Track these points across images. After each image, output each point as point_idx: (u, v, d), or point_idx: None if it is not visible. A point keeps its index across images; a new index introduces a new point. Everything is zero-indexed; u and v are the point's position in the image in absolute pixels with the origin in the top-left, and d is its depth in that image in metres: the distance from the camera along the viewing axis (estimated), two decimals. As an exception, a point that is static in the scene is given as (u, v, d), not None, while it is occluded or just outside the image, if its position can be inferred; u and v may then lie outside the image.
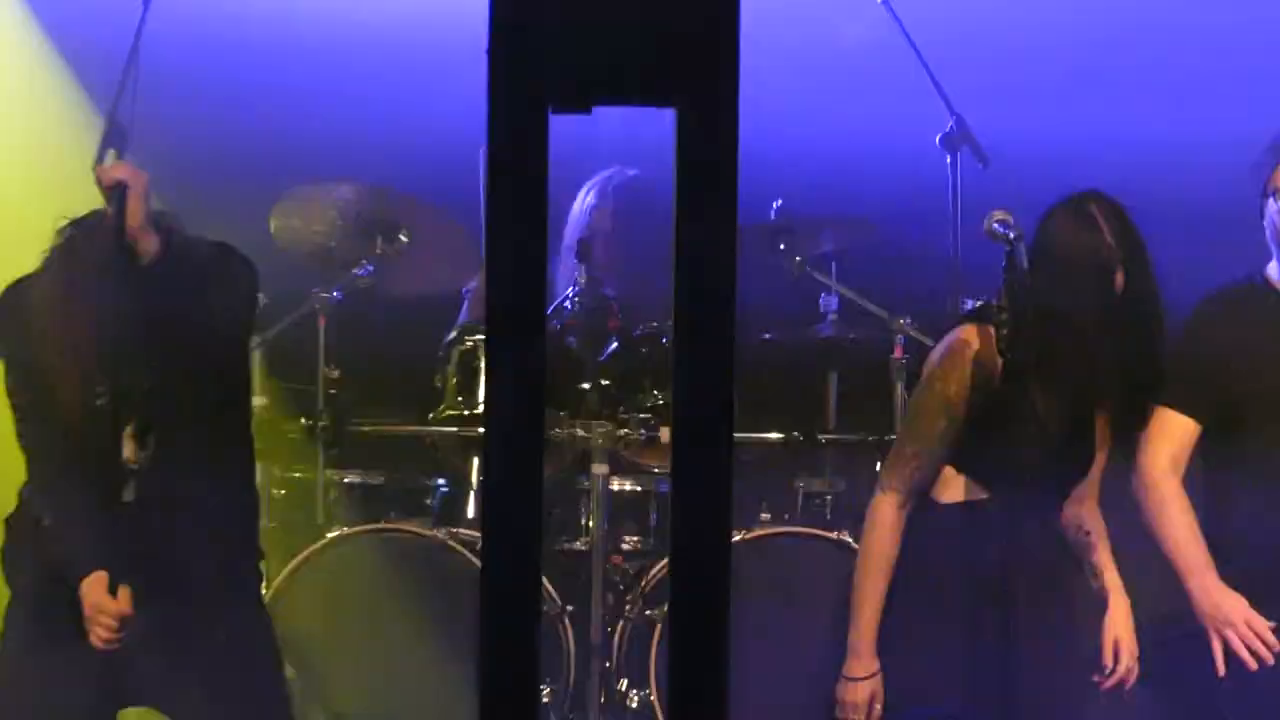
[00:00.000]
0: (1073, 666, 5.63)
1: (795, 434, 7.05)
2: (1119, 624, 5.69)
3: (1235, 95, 7.75)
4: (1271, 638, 5.73)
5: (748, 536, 6.63)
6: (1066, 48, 8.13)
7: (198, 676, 5.60)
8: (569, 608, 6.74)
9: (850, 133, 7.93)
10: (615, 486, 6.93)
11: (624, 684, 6.76)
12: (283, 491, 7.34)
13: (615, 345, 6.90)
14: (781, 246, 7.21)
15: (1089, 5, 7.97)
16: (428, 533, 6.82)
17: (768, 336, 7.24)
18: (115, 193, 5.44)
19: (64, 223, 5.61)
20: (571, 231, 7.19)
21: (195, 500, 5.66)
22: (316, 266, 7.34)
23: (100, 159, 6.07)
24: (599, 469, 6.80)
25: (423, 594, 6.65)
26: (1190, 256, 5.88)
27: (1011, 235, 5.41)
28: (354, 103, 7.95)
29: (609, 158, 7.20)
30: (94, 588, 5.54)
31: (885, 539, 5.57)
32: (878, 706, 5.54)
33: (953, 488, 5.60)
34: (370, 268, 7.26)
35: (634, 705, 6.72)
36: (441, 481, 7.19)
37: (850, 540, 6.40)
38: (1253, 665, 5.72)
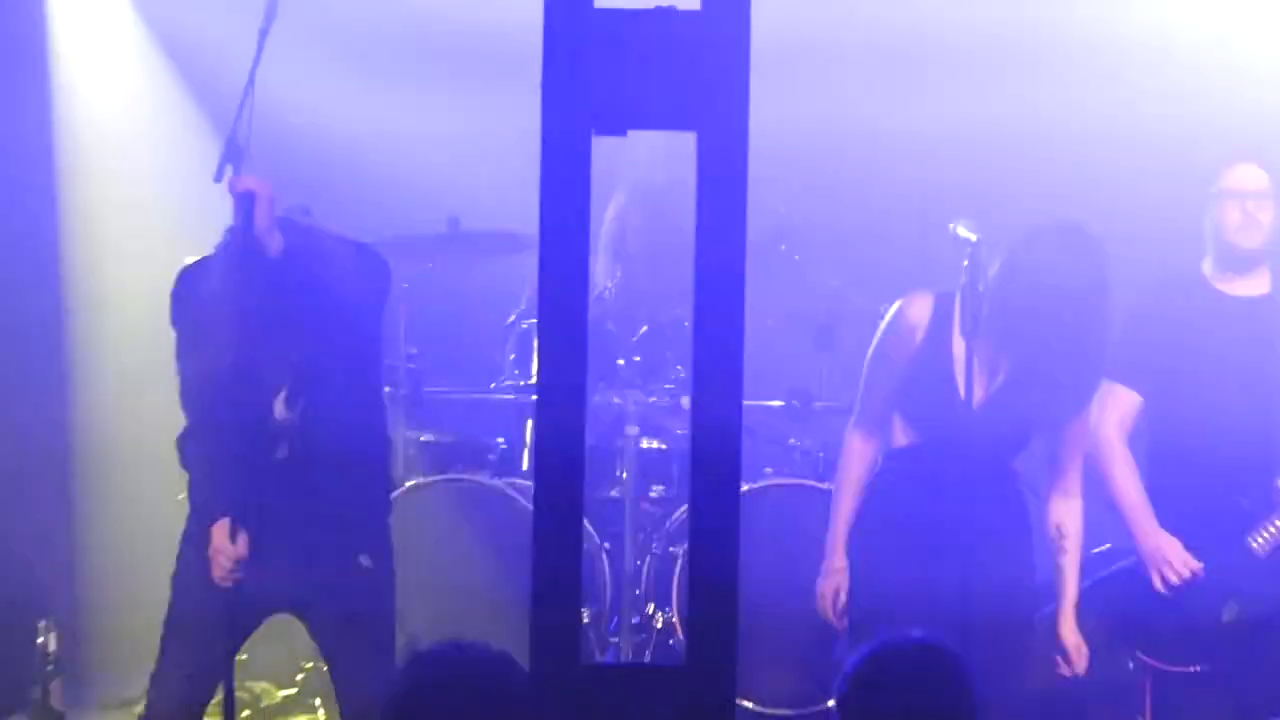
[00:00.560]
0: (994, 591, 5.39)
1: (793, 401, 7.01)
2: (1068, 631, 5.54)
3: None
4: (1197, 568, 5.67)
5: (753, 487, 6.60)
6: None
7: (337, 595, 5.49)
8: (606, 545, 6.78)
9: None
10: (644, 445, 6.92)
11: (650, 606, 6.77)
12: (369, 448, 7.29)
13: (645, 329, 6.96)
14: (782, 247, 7.20)
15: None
16: (489, 482, 6.83)
17: (770, 322, 7.11)
18: (244, 200, 5.35)
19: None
20: (609, 231, 7.19)
21: (335, 452, 5.53)
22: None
23: (219, 174, 5.97)
24: (631, 430, 6.86)
25: (484, 533, 6.62)
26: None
27: (974, 239, 5.35)
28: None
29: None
30: (219, 532, 5.46)
31: (852, 461, 5.60)
32: (842, 596, 5.51)
33: (899, 434, 5.55)
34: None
35: (659, 624, 6.73)
36: (501, 440, 7.15)
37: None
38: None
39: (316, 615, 5.59)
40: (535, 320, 6.56)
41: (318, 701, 6.86)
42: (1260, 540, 5.66)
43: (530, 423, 6.81)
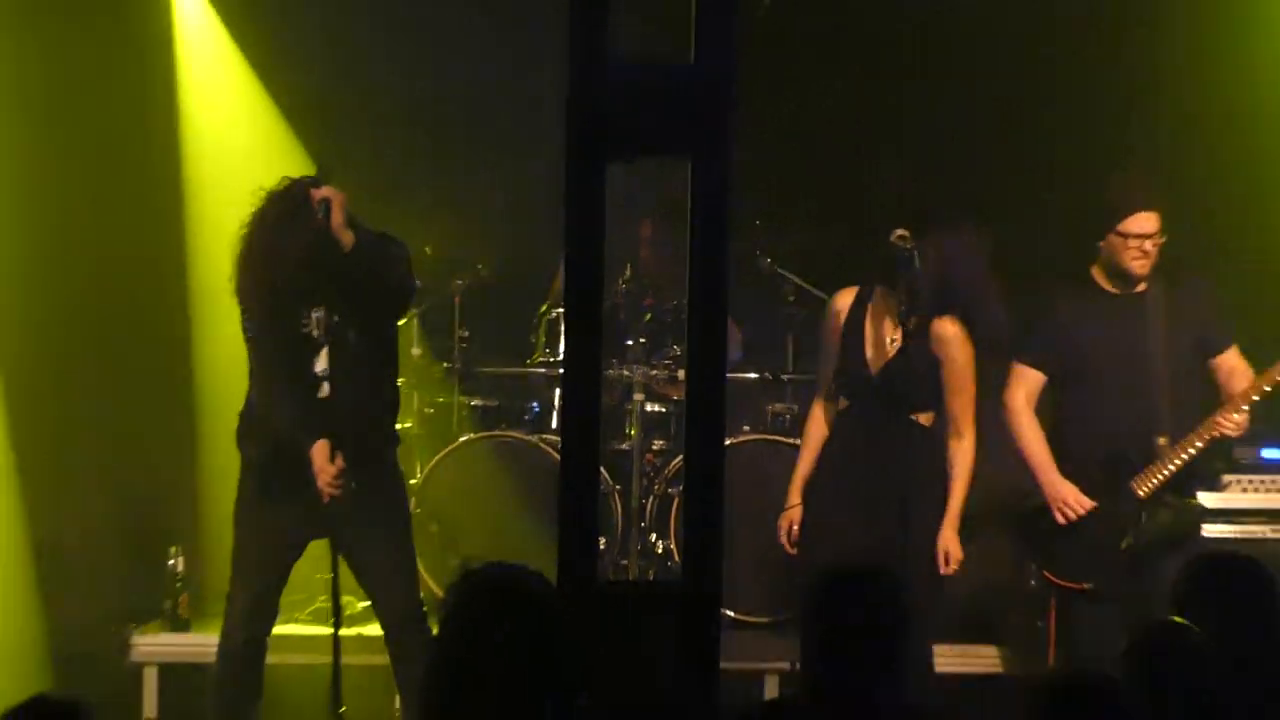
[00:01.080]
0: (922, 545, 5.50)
1: (766, 374, 7.00)
2: (949, 540, 5.52)
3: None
4: (1090, 506, 5.69)
5: (734, 441, 6.57)
6: None
7: (364, 515, 5.42)
8: (617, 487, 6.74)
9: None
10: (648, 408, 6.89)
11: (653, 537, 6.75)
12: (430, 410, 7.33)
13: (650, 316, 6.92)
14: (757, 253, 7.14)
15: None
16: (526, 437, 6.83)
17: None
18: (323, 205, 5.30)
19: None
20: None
21: (362, 396, 5.48)
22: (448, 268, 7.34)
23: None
24: (638, 396, 6.83)
25: (522, 477, 6.61)
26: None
27: (909, 246, 5.38)
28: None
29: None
30: (319, 454, 5.34)
31: (812, 426, 5.69)
32: (795, 527, 5.59)
33: (842, 400, 5.64)
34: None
35: (660, 551, 6.73)
36: (535, 404, 7.14)
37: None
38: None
39: (353, 526, 5.43)
40: (561, 310, 6.69)
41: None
42: (1143, 486, 5.66)
43: (558, 390, 6.79)
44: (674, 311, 6.74)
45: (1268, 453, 6.41)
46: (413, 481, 6.62)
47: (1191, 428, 5.66)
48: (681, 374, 6.45)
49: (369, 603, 5.78)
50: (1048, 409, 5.81)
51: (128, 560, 6.92)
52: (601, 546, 6.38)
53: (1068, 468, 5.71)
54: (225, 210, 7.01)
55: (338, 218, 5.29)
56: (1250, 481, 6.37)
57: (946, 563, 5.49)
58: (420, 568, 5.79)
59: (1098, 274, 5.76)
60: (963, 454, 5.53)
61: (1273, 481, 6.38)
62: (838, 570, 3.83)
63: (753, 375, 6.95)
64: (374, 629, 5.76)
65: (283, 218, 5.35)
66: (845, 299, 5.59)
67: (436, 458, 6.81)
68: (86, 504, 7.07)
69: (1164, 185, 5.72)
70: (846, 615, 3.63)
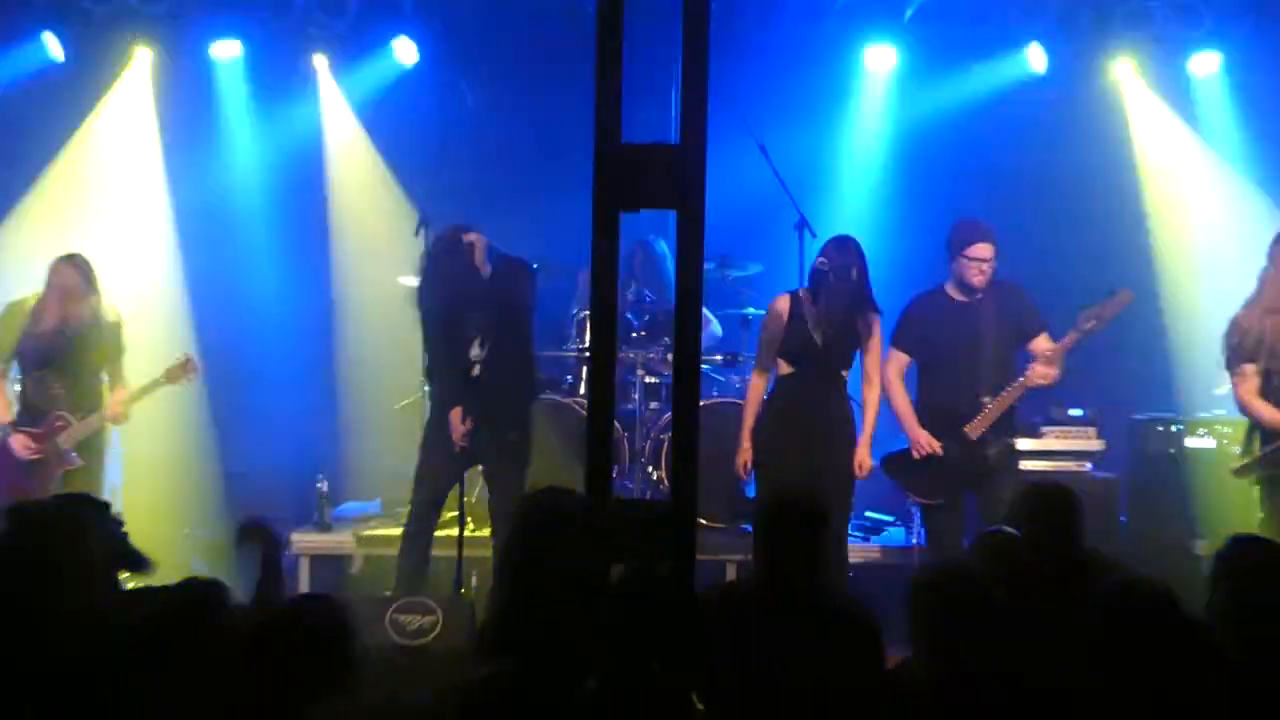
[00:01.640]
0: (842, 463, 5.50)
1: (728, 356, 6.87)
2: (863, 454, 5.55)
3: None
4: (937, 447, 5.63)
5: (706, 403, 6.45)
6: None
7: (499, 458, 5.57)
8: (625, 434, 6.65)
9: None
10: (647, 380, 6.79)
11: (650, 468, 6.67)
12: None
13: (649, 317, 6.81)
14: (724, 272, 7.03)
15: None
16: (563, 400, 6.72)
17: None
18: (467, 246, 5.47)
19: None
20: (626, 265, 7.01)
21: (504, 378, 5.58)
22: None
23: (418, 230, 5.94)
24: (640, 372, 6.74)
25: (561, 428, 6.43)
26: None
27: (826, 267, 5.44)
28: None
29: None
30: (455, 416, 5.52)
31: (752, 390, 5.66)
32: (748, 463, 5.56)
33: (783, 368, 5.56)
34: None
35: (655, 479, 6.64)
36: (569, 377, 6.99)
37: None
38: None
39: (491, 465, 5.60)
40: (589, 311, 6.62)
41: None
42: (974, 430, 5.62)
43: (585, 368, 6.71)
44: (666, 313, 6.65)
45: (1073, 411, 6.46)
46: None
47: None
48: (669, 356, 6.34)
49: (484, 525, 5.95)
50: (912, 380, 5.79)
51: (289, 484, 6.92)
52: (615, 475, 6.25)
53: (924, 419, 5.67)
54: (359, 243, 7.08)
55: (478, 255, 5.47)
56: (1061, 431, 6.44)
57: (861, 469, 5.51)
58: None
59: (950, 288, 5.74)
60: (874, 394, 5.59)
61: (1077, 431, 6.44)
62: (779, 494, 3.87)
63: (719, 357, 6.87)
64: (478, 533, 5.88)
65: (442, 252, 5.49)
66: (783, 301, 5.57)
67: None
68: (261, 445, 7.08)
69: (996, 228, 5.71)
70: (784, 522, 3.67)
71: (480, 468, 5.86)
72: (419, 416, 6.14)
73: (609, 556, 3.25)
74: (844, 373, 5.57)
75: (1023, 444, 5.98)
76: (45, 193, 7.06)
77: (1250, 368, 5.32)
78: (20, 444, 5.85)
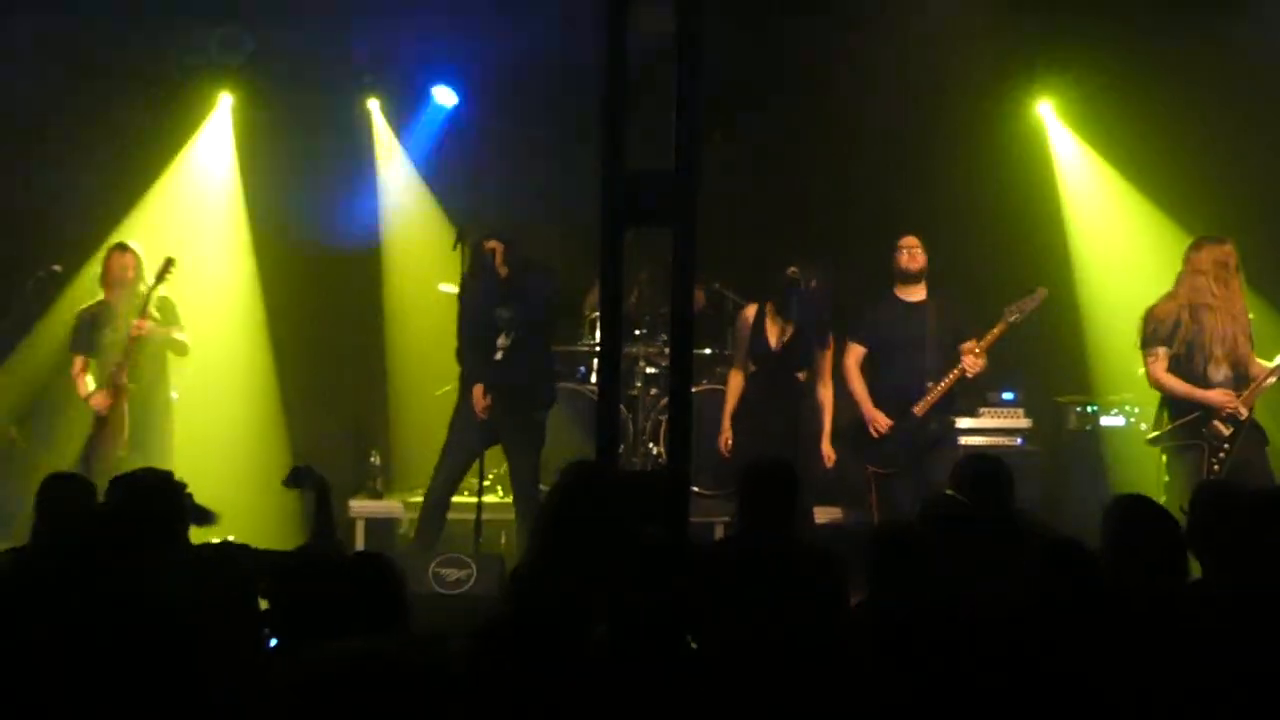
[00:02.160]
0: (806, 440, 5.52)
1: (716, 349, 6.83)
2: (827, 447, 5.61)
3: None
4: (889, 424, 5.64)
5: (698, 389, 6.32)
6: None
7: (517, 436, 5.52)
8: (630, 415, 6.63)
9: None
10: (648, 370, 6.76)
11: (650, 444, 6.64)
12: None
13: (648, 317, 6.77)
14: (715, 285, 6.90)
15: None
16: (577, 386, 6.69)
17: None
18: (490, 251, 5.49)
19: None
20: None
21: (524, 364, 5.55)
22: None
23: (455, 245, 5.91)
24: (642, 363, 6.72)
25: (576, 411, 6.40)
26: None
27: (798, 277, 5.47)
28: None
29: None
30: (478, 391, 5.50)
31: (731, 382, 5.69)
32: (729, 441, 5.59)
33: (750, 367, 5.61)
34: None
35: (654, 453, 6.60)
36: (582, 367, 6.96)
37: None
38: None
39: (510, 440, 5.54)
40: (598, 313, 6.59)
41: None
42: (920, 409, 5.64)
43: (595, 360, 6.69)
44: (664, 317, 6.59)
45: (1005, 395, 6.47)
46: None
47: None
48: (667, 350, 6.31)
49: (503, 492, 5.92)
50: (867, 368, 5.79)
51: (347, 456, 6.90)
52: (620, 450, 6.25)
53: (877, 401, 5.69)
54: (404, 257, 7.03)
55: (498, 258, 5.48)
56: (995, 412, 6.45)
57: (827, 461, 5.57)
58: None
59: (898, 289, 5.77)
60: (828, 394, 5.60)
61: (1008, 412, 6.45)
62: (756, 463, 3.87)
63: (708, 351, 6.84)
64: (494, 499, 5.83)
65: (472, 257, 5.53)
66: (750, 311, 5.61)
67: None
68: (323, 422, 7.06)
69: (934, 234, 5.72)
70: (761, 487, 3.67)
71: (501, 445, 5.85)
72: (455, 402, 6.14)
73: (629, 514, 3.30)
74: (799, 375, 5.57)
75: (962, 422, 6.04)
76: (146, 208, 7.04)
77: (1163, 350, 5.35)
78: (98, 401, 5.86)
